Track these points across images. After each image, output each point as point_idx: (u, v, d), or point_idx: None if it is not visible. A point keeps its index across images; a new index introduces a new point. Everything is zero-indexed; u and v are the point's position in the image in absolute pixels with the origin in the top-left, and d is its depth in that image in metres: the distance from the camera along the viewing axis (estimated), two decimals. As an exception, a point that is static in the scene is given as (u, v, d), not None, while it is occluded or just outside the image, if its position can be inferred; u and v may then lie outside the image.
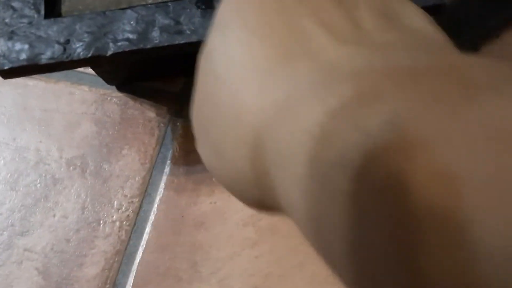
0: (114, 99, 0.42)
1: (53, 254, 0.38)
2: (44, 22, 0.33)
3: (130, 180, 0.40)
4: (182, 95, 0.42)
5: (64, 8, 0.34)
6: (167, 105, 0.42)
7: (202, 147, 0.19)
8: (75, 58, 0.32)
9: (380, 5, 0.17)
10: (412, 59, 0.14)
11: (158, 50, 0.32)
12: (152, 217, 0.39)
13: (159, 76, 0.44)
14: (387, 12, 0.17)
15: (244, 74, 0.16)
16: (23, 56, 0.32)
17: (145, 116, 0.42)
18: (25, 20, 0.33)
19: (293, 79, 0.15)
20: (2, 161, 0.41)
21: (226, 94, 0.17)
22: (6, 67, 0.32)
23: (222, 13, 0.18)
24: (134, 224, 0.39)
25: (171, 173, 0.40)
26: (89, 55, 0.32)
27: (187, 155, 0.40)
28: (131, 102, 0.42)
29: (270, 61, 0.16)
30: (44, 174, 0.41)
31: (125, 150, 0.41)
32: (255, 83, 0.16)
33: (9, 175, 0.41)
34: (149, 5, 0.33)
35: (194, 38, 0.32)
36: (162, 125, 0.41)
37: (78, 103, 0.42)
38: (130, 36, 0.32)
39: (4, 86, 0.44)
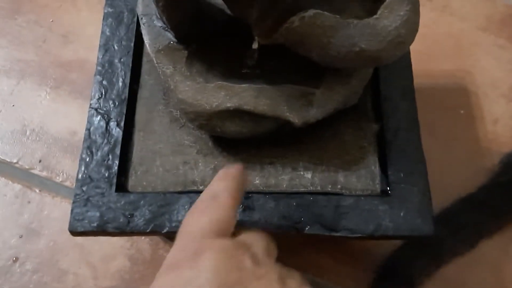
0: (147, 239, 0.50)
1: None
2: (115, 194, 0.40)
3: (152, 317, 0.46)
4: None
5: (131, 182, 0.42)
6: (192, 250, 0.49)
7: None
8: (135, 231, 0.40)
9: None
10: None
11: (203, 234, 0.40)
12: None
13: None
14: None
15: None
16: (94, 223, 0.39)
17: (172, 258, 0.49)
18: (99, 191, 0.41)
19: None
20: (44, 280, 0.48)
21: None
22: (79, 230, 0.40)
23: None
24: None
25: (188, 315, 0.47)
26: (148, 230, 0.40)
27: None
28: (161, 244, 0.50)
29: None
30: (79, 299, 0.47)
31: None
32: None
33: (49, 294, 0.48)
34: (200, 192, 0.41)
35: (233, 229, 0.40)
36: (185, 269, 0.48)
37: (116, 237, 0.49)
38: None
39: (55, 212, 0.51)
